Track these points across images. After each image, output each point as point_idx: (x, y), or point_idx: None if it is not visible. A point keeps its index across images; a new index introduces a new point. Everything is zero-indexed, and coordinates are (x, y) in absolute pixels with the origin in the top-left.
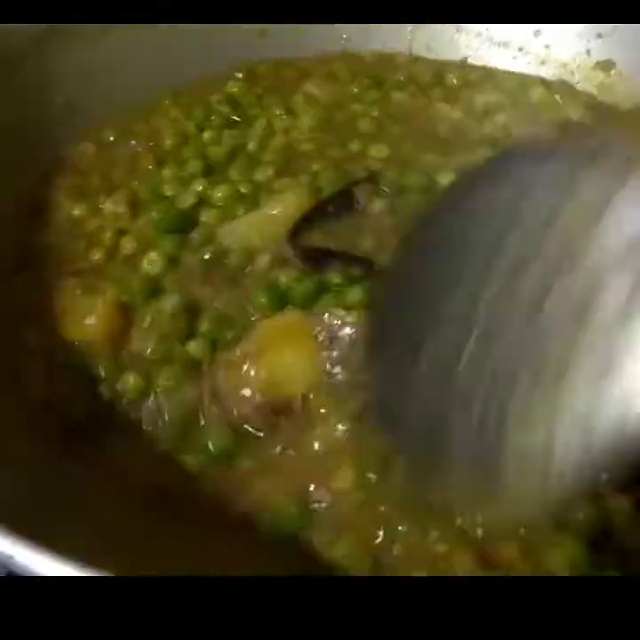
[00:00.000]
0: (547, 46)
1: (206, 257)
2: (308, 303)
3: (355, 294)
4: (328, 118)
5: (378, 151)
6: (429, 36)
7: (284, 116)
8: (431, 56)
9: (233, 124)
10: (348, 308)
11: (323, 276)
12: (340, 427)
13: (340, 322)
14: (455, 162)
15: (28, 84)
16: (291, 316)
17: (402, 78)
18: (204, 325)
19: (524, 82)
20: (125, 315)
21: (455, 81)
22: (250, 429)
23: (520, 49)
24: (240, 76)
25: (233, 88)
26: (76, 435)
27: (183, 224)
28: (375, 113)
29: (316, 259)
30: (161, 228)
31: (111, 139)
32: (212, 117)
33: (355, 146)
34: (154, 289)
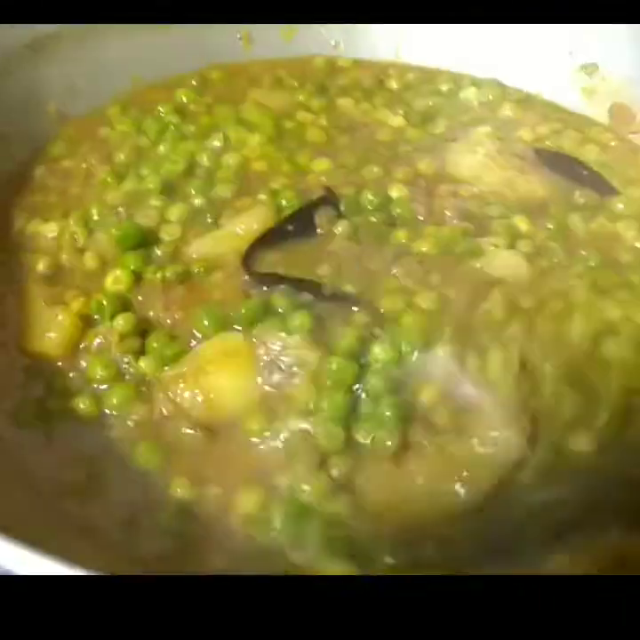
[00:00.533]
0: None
1: (168, 274)
2: (252, 325)
3: (298, 319)
4: (278, 129)
5: (321, 165)
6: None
7: (235, 128)
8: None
9: (186, 137)
10: (290, 333)
11: (269, 300)
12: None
13: (281, 346)
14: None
15: None
16: (233, 338)
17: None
18: (154, 343)
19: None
20: (87, 328)
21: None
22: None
23: None
24: (194, 83)
25: (182, 96)
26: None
27: (145, 241)
28: (323, 122)
29: (266, 282)
30: (124, 245)
31: (63, 152)
32: (169, 128)
33: (303, 160)
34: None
